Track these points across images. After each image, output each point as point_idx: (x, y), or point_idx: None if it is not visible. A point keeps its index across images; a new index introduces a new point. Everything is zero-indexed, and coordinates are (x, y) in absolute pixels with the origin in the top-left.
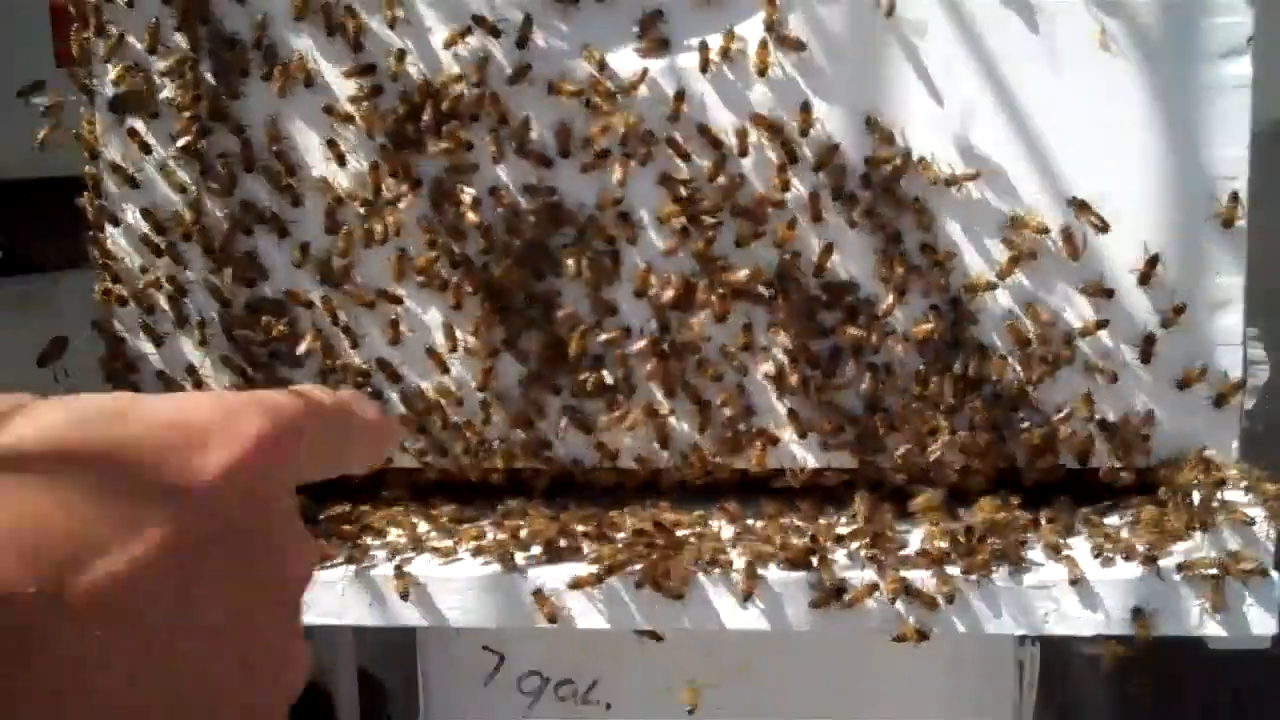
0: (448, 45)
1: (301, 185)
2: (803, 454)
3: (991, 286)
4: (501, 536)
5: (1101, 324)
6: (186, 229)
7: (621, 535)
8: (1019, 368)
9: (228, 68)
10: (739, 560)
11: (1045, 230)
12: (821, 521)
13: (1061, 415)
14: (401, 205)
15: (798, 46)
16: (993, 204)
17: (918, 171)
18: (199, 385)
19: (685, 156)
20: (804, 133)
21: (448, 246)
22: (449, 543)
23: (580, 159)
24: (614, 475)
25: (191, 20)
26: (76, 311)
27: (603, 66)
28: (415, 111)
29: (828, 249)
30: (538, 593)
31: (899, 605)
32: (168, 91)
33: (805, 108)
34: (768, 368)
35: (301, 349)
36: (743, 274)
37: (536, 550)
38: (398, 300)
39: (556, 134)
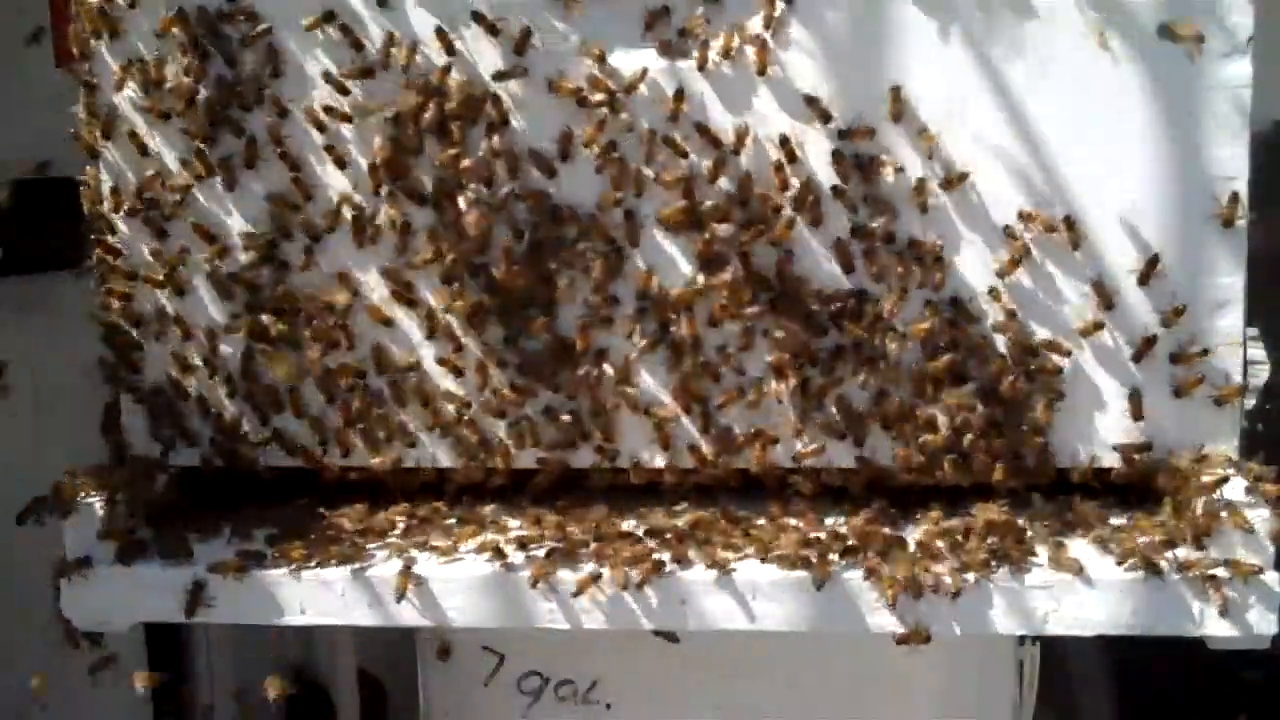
0: (441, 35)
1: (308, 181)
2: (799, 453)
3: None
4: (497, 537)
5: (1100, 325)
6: (188, 226)
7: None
8: (1018, 367)
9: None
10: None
11: (1054, 229)
12: (827, 522)
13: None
14: (400, 205)
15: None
16: (993, 204)
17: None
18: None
19: (683, 155)
20: (826, 120)
21: (450, 247)
22: (449, 542)
23: (584, 161)
24: (613, 476)
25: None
26: (76, 311)
27: (602, 60)
28: (416, 113)
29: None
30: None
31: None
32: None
33: (810, 101)
34: (768, 366)
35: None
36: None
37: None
38: (411, 302)
39: (559, 139)
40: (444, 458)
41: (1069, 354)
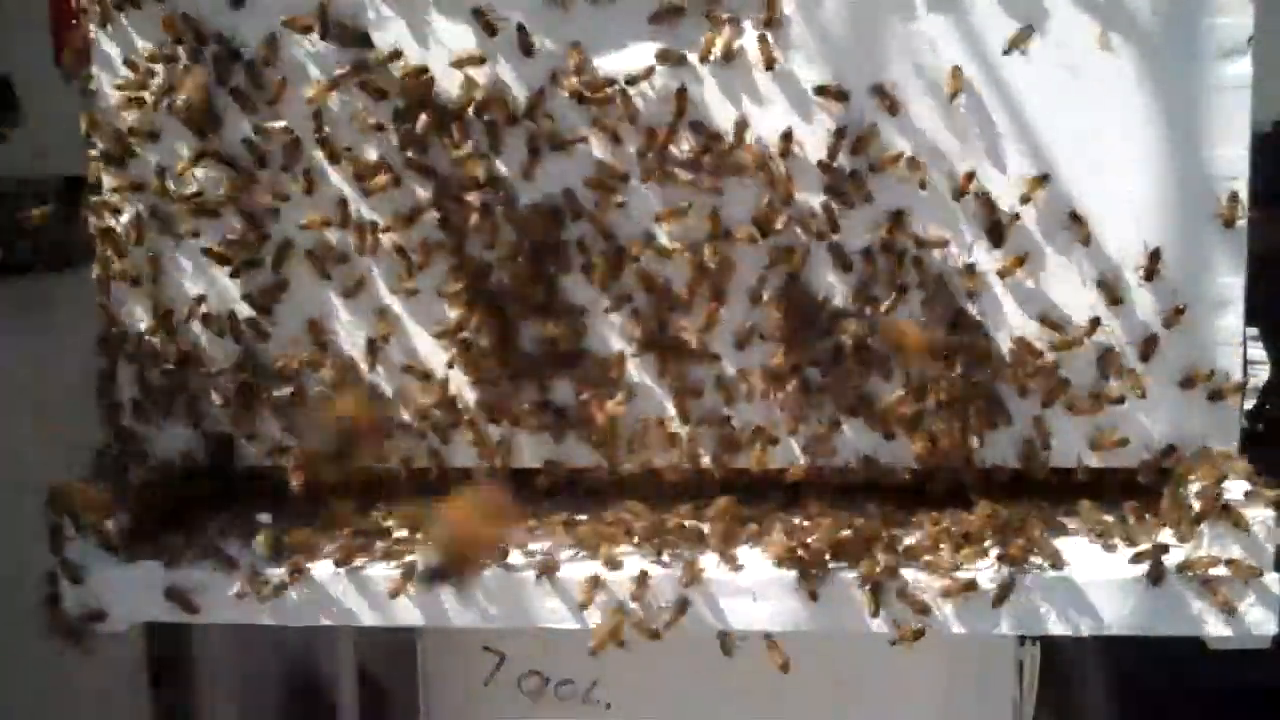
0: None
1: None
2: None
3: None
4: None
5: (1098, 321)
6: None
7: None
8: (1017, 368)
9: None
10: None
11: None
12: (828, 521)
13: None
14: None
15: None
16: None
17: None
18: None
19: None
20: (841, 97)
21: (452, 248)
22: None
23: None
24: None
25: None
26: (76, 311)
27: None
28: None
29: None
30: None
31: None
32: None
33: (820, 90)
34: (768, 366)
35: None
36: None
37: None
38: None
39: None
40: (445, 458)
41: (1073, 345)
